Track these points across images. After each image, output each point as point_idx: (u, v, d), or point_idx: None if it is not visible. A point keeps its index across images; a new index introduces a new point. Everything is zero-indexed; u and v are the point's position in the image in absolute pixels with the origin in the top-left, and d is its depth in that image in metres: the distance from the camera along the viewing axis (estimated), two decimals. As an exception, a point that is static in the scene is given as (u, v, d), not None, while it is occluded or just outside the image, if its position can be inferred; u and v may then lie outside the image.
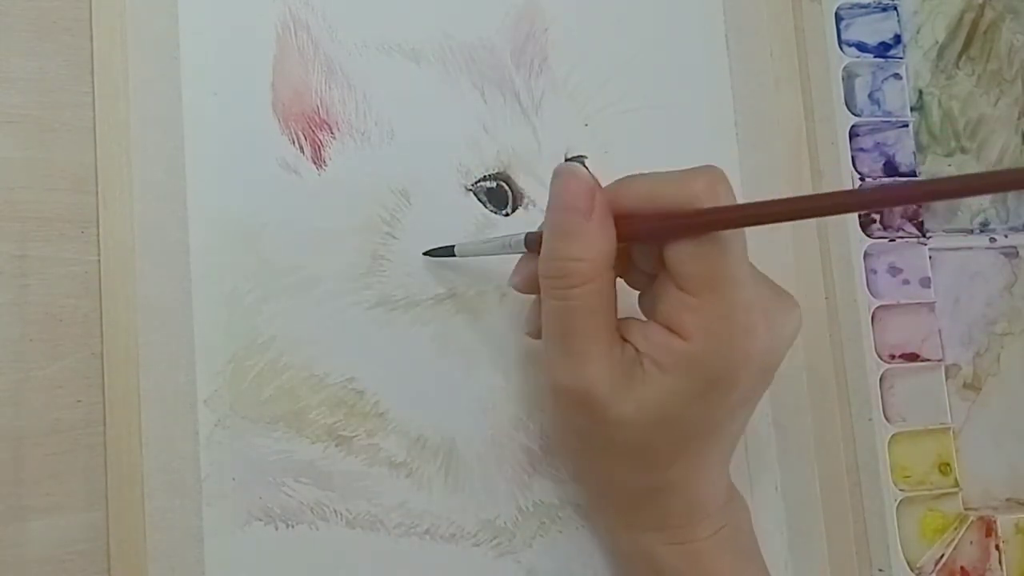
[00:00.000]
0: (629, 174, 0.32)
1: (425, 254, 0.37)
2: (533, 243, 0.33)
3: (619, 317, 0.32)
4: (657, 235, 0.31)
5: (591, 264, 0.30)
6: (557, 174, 0.32)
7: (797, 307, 0.32)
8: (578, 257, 0.30)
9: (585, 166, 0.39)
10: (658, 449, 0.32)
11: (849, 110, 0.44)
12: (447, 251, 0.37)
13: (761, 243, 0.41)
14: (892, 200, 0.34)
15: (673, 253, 0.30)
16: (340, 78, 0.38)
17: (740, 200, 0.31)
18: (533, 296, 0.34)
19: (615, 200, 0.31)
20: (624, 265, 0.33)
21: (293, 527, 0.35)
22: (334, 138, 0.37)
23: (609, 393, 0.30)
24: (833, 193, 0.37)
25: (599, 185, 0.31)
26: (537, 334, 0.33)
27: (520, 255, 0.34)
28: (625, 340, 0.31)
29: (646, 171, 0.31)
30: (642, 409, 0.30)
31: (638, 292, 0.34)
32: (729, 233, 0.30)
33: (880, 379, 0.42)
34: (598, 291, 0.31)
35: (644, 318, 0.32)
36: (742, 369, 0.30)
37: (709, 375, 0.30)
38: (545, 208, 0.32)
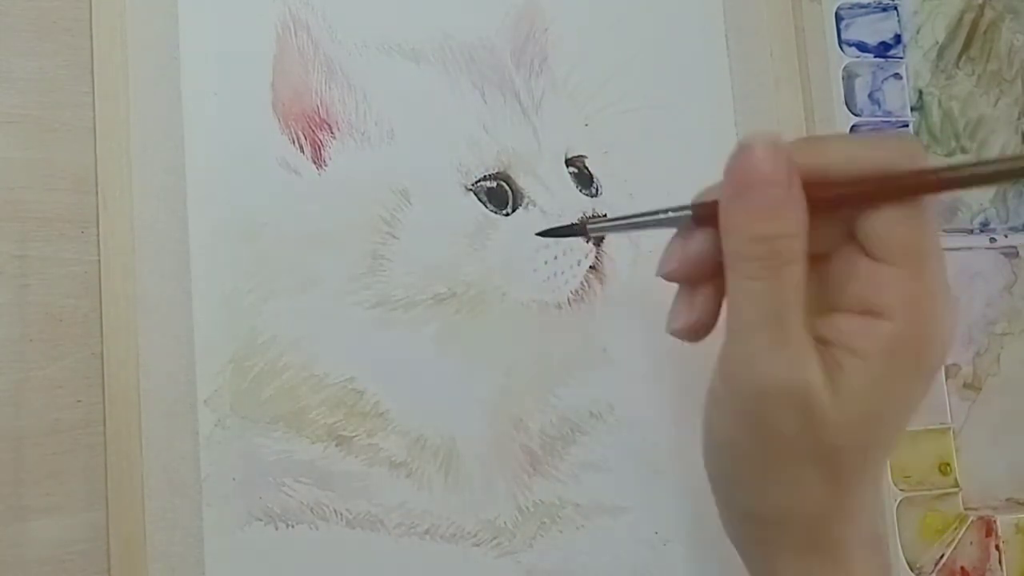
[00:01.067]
0: (818, 135, 0.29)
1: (539, 235, 0.35)
2: (704, 217, 0.29)
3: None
4: (857, 202, 0.28)
5: (800, 239, 0.27)
6: (746, 145, 0.28)
7: (954, 298, 0.31)
8: (787, 232, 0.27)
9: (586, 167, 0.39)
10: (859, 453, 0.28)
11: (849, 110, 0.44)
12: (575, 229, 0.35)
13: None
14: None
15: (876, 222, 0.27)
16: (340, 78, 0.38)
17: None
18: (676, 286, 0.31)
19: (805, 165, 0.28)
20: None
21: (293, 527, 0.35)
22: (334, 138, 0.37)
23: (822, 387, 0.27)
24: None
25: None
26: (690, 332, 0.31)
27: (671, 238, 0.31)
28: None
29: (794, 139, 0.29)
30: (848, 406, 0.27)
31: None
32: (928, 204, 0.27)
33: (880, 379, 0.42)
34: (804, 270, 0.27)
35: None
36: (942, 353, 0.28)
37: (919, 357, 0.27)
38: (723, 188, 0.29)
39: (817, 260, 0.29)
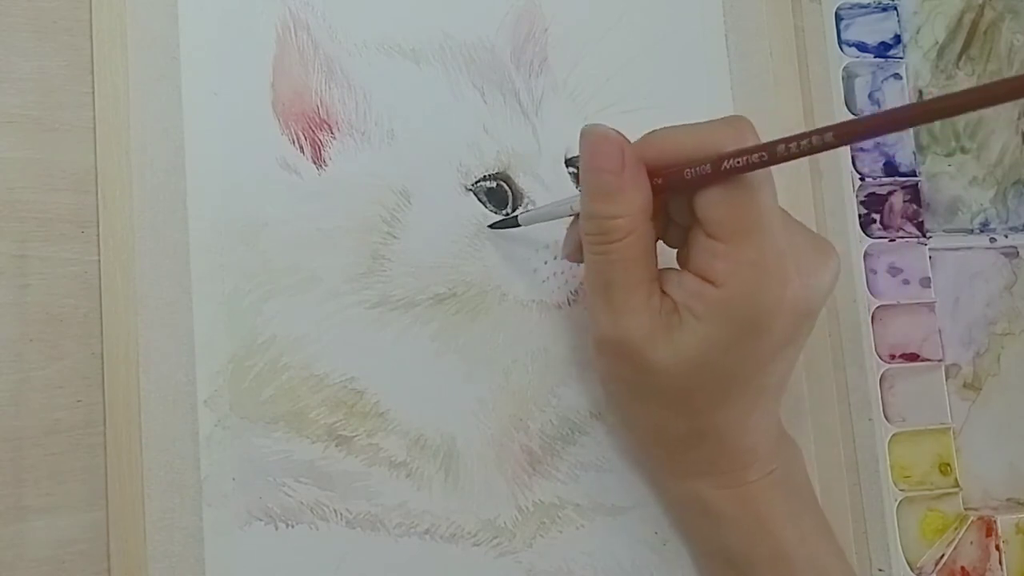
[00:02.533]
0: (669, 126, 0.33)
1: (490, 227, 0.38)
2: None
3: (660, 269, 0.33)
4: (686, 184, 0.32)
5: (628, 219, 0.31)
6: (585, 135, 0.32)
7: (835, 254, 0.33)
8: (614, 214, 0.31)
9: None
10: (698, 395, 0.32)
11: (849, 110, 0.44)
12: (510, 222, 0.37)
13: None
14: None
15: (701, 200, 0.31)
16: (340, 78, 0.38)
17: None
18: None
19: (645, 154, 0.32)
20: (662, 223, 0.34)
21: (293, 527, 0.35)
22: (334, 138, 0.37)
23: (647, 341, 0.32)
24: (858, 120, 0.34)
25: (627, 141, 0.32)
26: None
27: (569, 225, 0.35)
28: (664, 292, 0.32)
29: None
30: (679, 356, 0.31)
31: (677, 249, 0.35)
32: (757, 180, 0.30)
33: (880, 379, 0.42)
34: (635, 244, 0.32)
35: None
36: (775, 315, 0.31)
37: (741, 321, 0.31)
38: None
39: (686, 231, 0.33)
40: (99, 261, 0.35)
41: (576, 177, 0.39)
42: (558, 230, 0.38)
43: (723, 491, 0.34)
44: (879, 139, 0.44)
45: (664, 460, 0.36)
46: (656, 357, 0.32)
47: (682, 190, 0.32)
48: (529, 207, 0.38)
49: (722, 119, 0.32)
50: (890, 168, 0.44)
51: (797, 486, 0.36)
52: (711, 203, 0.31)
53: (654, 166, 0.32)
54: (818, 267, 0.32)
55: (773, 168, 0.30)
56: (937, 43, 0.46)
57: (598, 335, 0.33)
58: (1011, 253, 0.45)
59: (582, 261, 0.35)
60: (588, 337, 0.34)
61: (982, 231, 0.45)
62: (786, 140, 0.29)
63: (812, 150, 0.28)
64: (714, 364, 0.31)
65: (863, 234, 0.43)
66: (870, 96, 0.44)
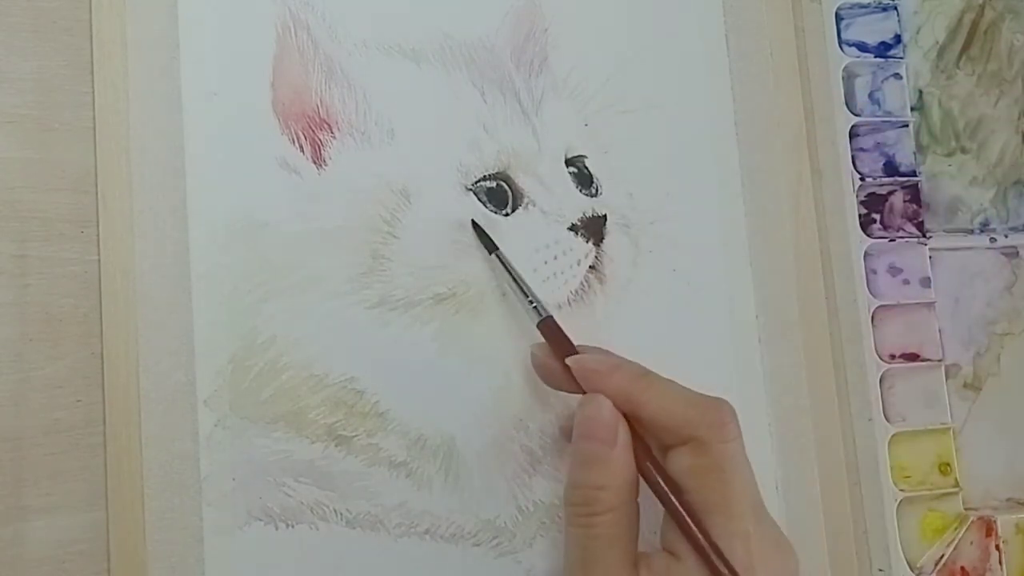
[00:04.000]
0: (649, 376, 0.34)
1: (474, 224, 0.37)
2: (544, 329, 0.35)
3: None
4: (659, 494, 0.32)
5: (615, 492, 0.32)
6: (584, 403, 0.33)
7: (795, 557, 0.33)
8: (601, 485, 0.32)
9: (586, 167, 0.39)
10: None
11: (849, 110, 0.44)
12: (489, 243, 0.37)
13: (762, 245, 0.41)
14: None
15: (674, 473, 0.32)
16: (340, 78, 0.38)
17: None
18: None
19: (634, 413, 0.33)
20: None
21: (293, 527, 0.35)
22: (334, 138, 0.37)
23: None
24: None
25: (623, 417, 0.33)
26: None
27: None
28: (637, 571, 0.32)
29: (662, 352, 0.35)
30: None
31: None
32: (730, 464, 0.32)
33: (880, 379, 0.42)
34: (619, 521, 0.32)
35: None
36: None
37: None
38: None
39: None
40: (99, 261, 0.35)
41: (576, 177, 0.39)
42: (558, 229, 0.39)
43: None
44: (879, 139, 0.44)
45: None
46: None
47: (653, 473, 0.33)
48: (529, 207, 0.38)
49: (710, 400, 0.33)
50: (890, 168, 0.44)
51: None
52: (682, 478, 0.32)
53: (640, 429, 0.33)
54: (778, 563, 0.32)
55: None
56: (937, 43, 0.46)
57: None
58: (1011, 253, 0.45)
59: (550, 386, 0.36)
60: None
61: (982, 231, 0.45)
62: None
63: None
64: None
65: (863, 234, 0.43)
66: (870, 96, 0.44)
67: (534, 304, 0.36)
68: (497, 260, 0.37)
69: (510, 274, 0.36)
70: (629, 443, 0.32)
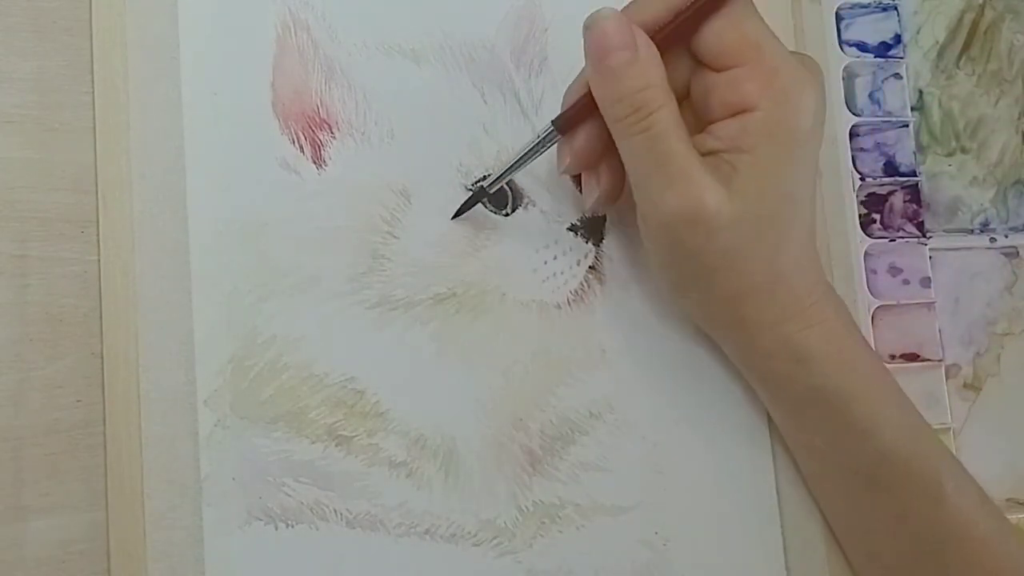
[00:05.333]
0: None
1: (453, 219, 0.37)
2: (568, 121, 0.35)
3: None
4: (687, 30, 0.33)
5: (658, 88, 0.32)
6: (589, 25, 0.33)
7: (817, 67, 0.34)
8: (644, 85, 0.32)
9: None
10: (769, 233, 0.33)
11: (849, 110, 0.44)
12: (470, 202, 0.37)
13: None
14: None
15: (708, 36, 0.33)
16: (340, 78, 0.38)
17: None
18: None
19: (639, 22, 0.33)
20: None
21: (293, 527, 0.35)
22: (334, 138, 0.37)
23: (718, 201, 0.32)
24: None
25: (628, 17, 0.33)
26: (603, 203, 0.36)
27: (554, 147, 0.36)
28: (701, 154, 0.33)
29: None
30: (745, 202, 0.32)
31: None
32: (742, 5, 0.32)
33: (880, 379, 0.42)
34: (674, 110, 0.32)
35: None
36: (807, 119, 0.32)
37: (786, 136, 0.32)
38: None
39: (682, 95, 0.34)
40: (99, 261, 0.35)
41: (576, 177, 0.39)
42: (558, 229, 0.39)
43: (809, 331, 0.34)
44: (879, 139, 0.44)
45: (747, 320, 0.35)
46: (729, 211, 0.32)
47: (684, 39, 0.33)
48: (529, 207, 0.38)
49: None
50: (890, 168, 0.44)
51: (854, 323, 0.37)
52: (717, 34, 0.32)
53: (649, 30, 0.33)
54: (815, 75, 0.34)
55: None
56: (937, 43, 0.46)
57: (664, 214, 0.33)
58: (1011, 253, 0.45)
59: (583, 168, 0.36)
60: (644, 228, 0.35)
61: (982, 231, 0.45)
62: None
63: None
64: (773, 194, 0.33)
65: (863, 234, 0.43)
66: (870, 96, 0.44)
67: (540, 138, 0.35)
68: (499, 184, 0.37)
69: (516, 167, 0.36)
70: (647, 38, 0.32)
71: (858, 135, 0.44)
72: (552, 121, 0.35)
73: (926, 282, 0.43)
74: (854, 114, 0.44)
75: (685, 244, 0.33)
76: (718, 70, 0.33)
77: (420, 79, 0.39)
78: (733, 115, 0.33)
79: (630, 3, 0.33)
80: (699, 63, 0.34)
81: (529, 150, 0.35)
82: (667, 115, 0.32)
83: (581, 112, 0.34)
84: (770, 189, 0.33)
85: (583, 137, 0.35)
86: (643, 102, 0.32)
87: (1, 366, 0.34)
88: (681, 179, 0.32)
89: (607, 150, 0.35)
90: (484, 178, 0.37)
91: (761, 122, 0.32)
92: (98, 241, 0.35)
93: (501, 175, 0.36)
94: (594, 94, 0.33)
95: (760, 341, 0.35)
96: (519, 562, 0.37)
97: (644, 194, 0.34)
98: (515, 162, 0.36)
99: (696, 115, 0.35)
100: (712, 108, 0.33)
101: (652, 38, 0.33)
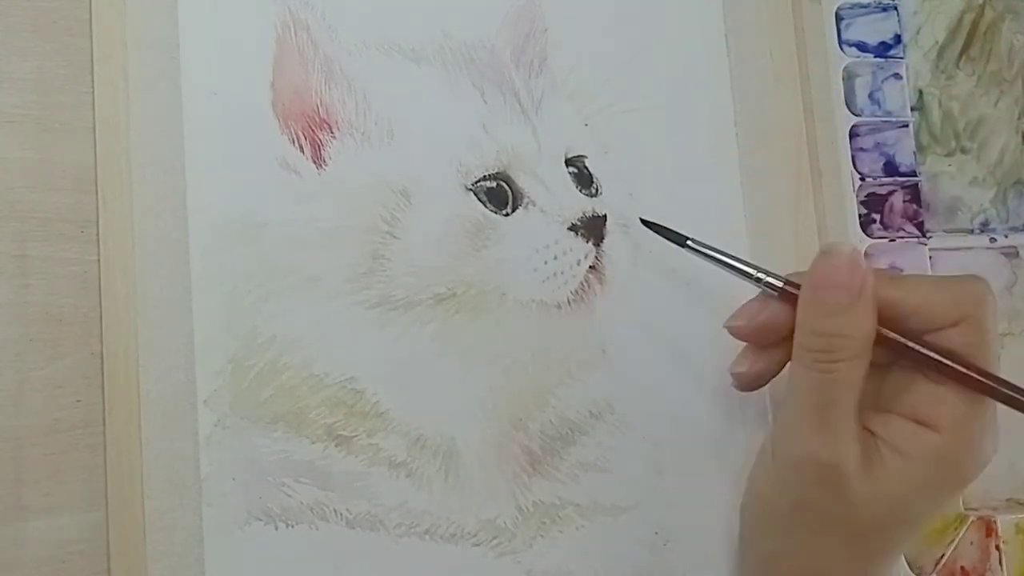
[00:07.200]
0: (898, 274, 0.34)
1: (643, 222, 0.37)
2: (787, 296, 0.34)
3: None
4: (905, 349, 0.32)
5: (860, 342, 0.31)
6: (828, 252, 0.32)
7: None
8: (848, 334, 0.31)
9: (586, 167, 0.39)
10: (890, 532, 0.32)
11: (849, 110, 0.44)
12: (676, 237, 0.36)
13: (762, 245, 0.41)
14: None
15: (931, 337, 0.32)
16: (340, 78, 0.38)
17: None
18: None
19: (883, 296, 0.32)
20: None
21: (293, 527, 0.35)
22: (334, 138, 0.37)
23: (856, 470, 0.31)
24: None
25: (870, 268, 0.32)
26: (744, 381, 0.35)
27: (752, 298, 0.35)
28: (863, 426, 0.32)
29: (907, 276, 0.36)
30: (879, 492, 0.31)
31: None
32: (990, 326, 0.32)
33: (880, 379, 0.42)
34: (861, 368, 0.32)
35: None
36: (984, 465, 0.32)
37: (957, 470, 0.32)
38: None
39: (880, 366, 0.33)
40: (99, 261, 0.35)
41: (576, 177, 0.39)
42: (558, 229, 0.38)
43: None
44: (879, 139, 0.44)
45: None
46: (861, 488, 0.31)
47: (906, 349, 0.32)
48: (529, 207, 0.38)
49: (962, 279, 0.33)
50: (890, 168, 0.44)
51: None
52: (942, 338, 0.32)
53: (885, 310, 0.32)
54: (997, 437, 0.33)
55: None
56: (937, 43, 0.46)
57: (801, 454, 0.32)
58: (1011, 253, 0.45)
59: (751, 341, 0.35)
60: (769, 456, 0.34)
61: (982, 231, 0.45)
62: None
63: None
64: (906, 507, 0.32)
65: (863, 234, 0.43)
66: (870, 96, 0.44)
67: (760, 279, 0.34)
68: (699, 254, 0.36)
69: (715, 258, 0.36)
70: (872, 296, 0.32)
71: (858, 135, 0.44)
72: (784, 280, 0.34)
73: (926, 282, 0.43)
74: (854, 114, 0.44)
75: (799, 489, 0.32)
76: (926, 377, 0.32)
77: (420, 79, 0.39)
78: (913, 420, 0.32)
79: (885, 274, 0.33)
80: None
81: (742, 266, 0.35)
82: (852, 370, 0.31)
83: (792, 299, 0.33)
84: (908, 500, 0.32)
85: (769, 313, 0.34)
86: (837, 347, 0.31)
87: (1, 366, 0.34)
88: (832, 431, 0.31)
89: (785, 343, 0.34)
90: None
91: (933, 446, 0.31)
92: (98, 241, 0.35)
93: (705, 250, 0.36)
94: (798, 313, 0.33)
95: None
96: (519, 562, 0.37)
97: (791, 425, 0.33)
98: (725, 260, 0.35)
99: (880, 393, 0.34)
100: (899, 401, 0.32)
101: (884, 319, 0.32)
